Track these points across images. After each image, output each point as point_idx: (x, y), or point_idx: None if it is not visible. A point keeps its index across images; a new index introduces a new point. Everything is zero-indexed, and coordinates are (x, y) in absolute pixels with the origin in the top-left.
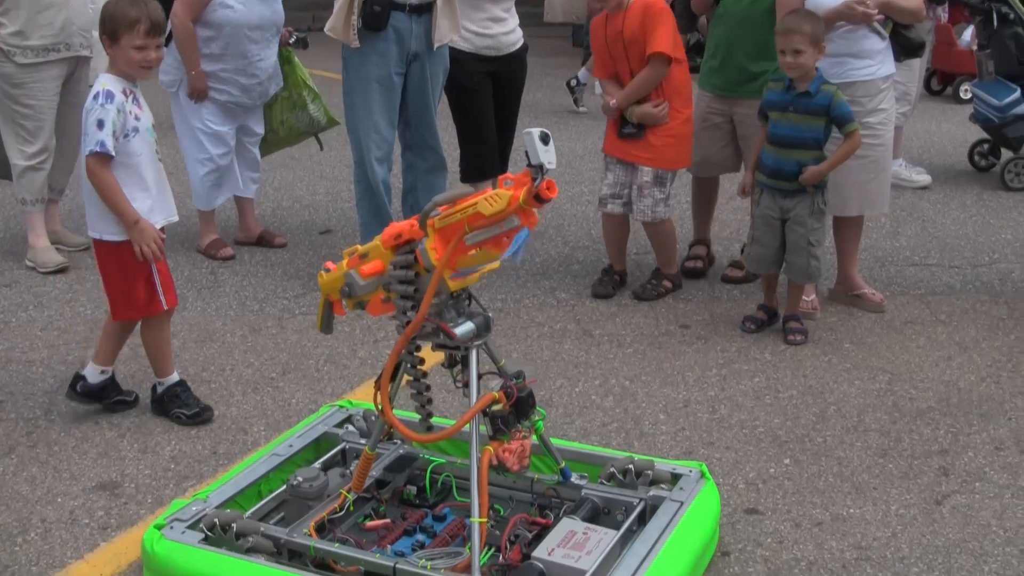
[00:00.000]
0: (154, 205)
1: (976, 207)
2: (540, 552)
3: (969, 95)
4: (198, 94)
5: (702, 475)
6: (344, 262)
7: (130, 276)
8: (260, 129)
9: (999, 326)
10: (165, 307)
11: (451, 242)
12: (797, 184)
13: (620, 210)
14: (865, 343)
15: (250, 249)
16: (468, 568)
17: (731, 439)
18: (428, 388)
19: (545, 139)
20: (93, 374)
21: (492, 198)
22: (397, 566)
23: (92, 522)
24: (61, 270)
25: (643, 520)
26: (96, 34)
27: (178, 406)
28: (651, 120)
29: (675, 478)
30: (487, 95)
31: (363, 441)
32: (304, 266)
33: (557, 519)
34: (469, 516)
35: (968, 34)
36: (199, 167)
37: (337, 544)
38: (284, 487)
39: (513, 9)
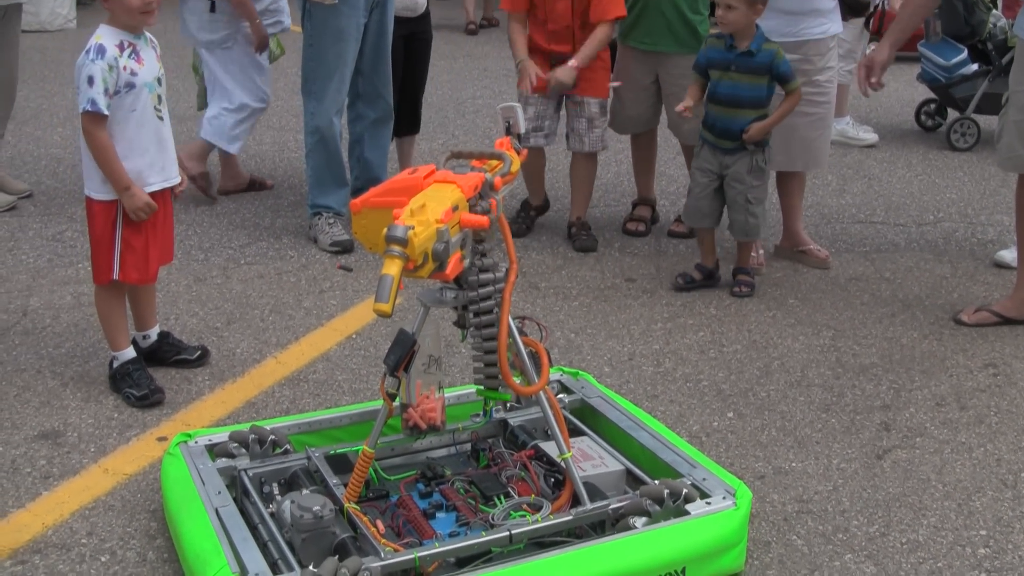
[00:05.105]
0: (151, 166)
1: (922, 166)
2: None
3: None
4: (263, 41)
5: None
6: (425, 217)
7: (109, 238)
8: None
9: (942, 284)
10: (115, 277)
11: None
12: (739, 142)
13: (543, 142)
14: (810, 299)
15: (195, 198)
16: (564, 506)
17: (675, 392)
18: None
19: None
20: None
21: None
22: (512, 532)
23: (34, 471)
24: (11, 208)
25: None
26: None
27: (128, 385)
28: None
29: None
30: (399, 57)
31: (277, 459)
32: (250, 216)
33: (524, 447)
34: (450, 477)
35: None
36: (241, 112)
37: (439, 543)
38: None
39: None
